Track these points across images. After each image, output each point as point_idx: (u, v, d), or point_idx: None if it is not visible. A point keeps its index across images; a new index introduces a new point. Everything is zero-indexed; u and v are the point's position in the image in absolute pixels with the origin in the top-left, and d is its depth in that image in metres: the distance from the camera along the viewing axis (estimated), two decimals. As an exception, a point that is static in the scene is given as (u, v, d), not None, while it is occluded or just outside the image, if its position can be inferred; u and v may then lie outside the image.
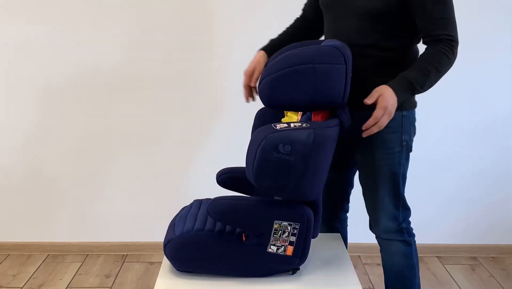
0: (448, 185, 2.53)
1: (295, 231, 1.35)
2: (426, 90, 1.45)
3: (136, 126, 2.45)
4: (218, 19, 2.33)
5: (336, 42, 1.34)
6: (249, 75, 1.62)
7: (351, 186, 1.80)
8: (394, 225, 1.62)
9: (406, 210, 1.64)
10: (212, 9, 2.32)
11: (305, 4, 1.75)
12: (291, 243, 1.37)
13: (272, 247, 1.37)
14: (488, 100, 2.42)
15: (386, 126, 1.44)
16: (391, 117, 1.38)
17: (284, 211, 1.35)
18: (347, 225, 1.90)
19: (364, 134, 1.38)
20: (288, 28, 1.72)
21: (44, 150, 2.48)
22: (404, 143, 1.56)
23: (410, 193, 2.49)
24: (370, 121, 1.36)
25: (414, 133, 1.63)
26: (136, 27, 2.34)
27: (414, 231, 2.56)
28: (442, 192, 2.54)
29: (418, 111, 2.42)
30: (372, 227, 1.67)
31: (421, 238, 2.56)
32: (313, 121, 1.34)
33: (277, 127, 1.25)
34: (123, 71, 2.38)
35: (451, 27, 1.43)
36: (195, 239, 1.42)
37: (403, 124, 1.56)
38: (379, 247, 2.58)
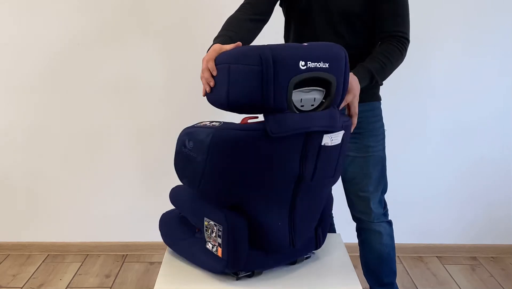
0: (448, 185, 2.53)
1: (220, 233, 1.30)
2: (380, 82, 1.58)
3: (136, 126, 2.46)
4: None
5: (275, 45, 1.26)
6: None
7: None
8: (381, 209, 1.76)
9: (385, 193, 1.79)
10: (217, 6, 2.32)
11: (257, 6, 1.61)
12: (219, 244, 1.32)
13: (208, 244, 1.35)
14: (488, 99, 2.42)
15: (373, 116, 1.69)
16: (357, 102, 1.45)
17: (209, 209, 1.32)
18: (333, 216, 2.00)
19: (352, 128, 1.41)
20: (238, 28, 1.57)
21: (44, 150, 2.48)
22: (385, 130, 1.74)
23: (411, 193, 2.52)
24: (350, 109, 1.41)
25: None
26: (136, 27, 2.34)
27: (414, 231, 2.58)
28: (442, 192, 2.54)
29: (418, 110, 2.44)
30: (363, 213, 1.75)
31: (421, 238, 2.59)
32: (230, 122, 1.27)
33: (197, 124, 1.27)
34: (125, 71, 2.38)
35: (405, 26, 1.58)
36: (167, 218, 1.53)
37: (381, 114, 1.73)
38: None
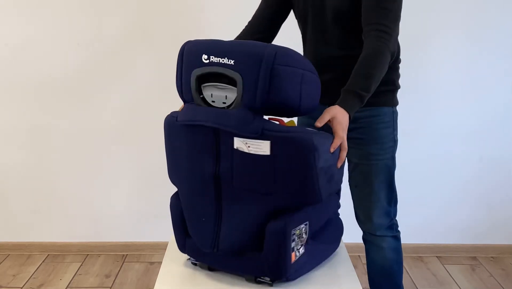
0: (448, 185, 2.53)
1: None
2: (372, 91, 1.41)
3: (136, 126, 2.45)
4: (218, 19, 2.33)
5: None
6: None
7: None
8: (386, 221, 1.67)
9: (396, 205, 1.69)
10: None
11: (254, 18, 1.69)
12: None
13: None
14: (488, 100, 2.42)
15: (380, 122, 1.57)
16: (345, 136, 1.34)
17: None
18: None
19: (338, 164, 1.30)
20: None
21: (44, 149, 2.48)
22: (396, 138, 1.63)
23: (411, 193, 2.51)
24: (335, 145, 1.29)
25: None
26: (135, 27, 2.34)
27: (414, 231, 2.55)
28: (442, 192, 2.54)
29: (418, 111, 2.43)
30: (364, 224, 1.69)
31: (421, 238, 2.59)
32: None
33: None
34: (125, 71, 2.38)
35: (390, 19, 1.42)
36: None
37: (394, 120, 1.61)
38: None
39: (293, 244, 1.29)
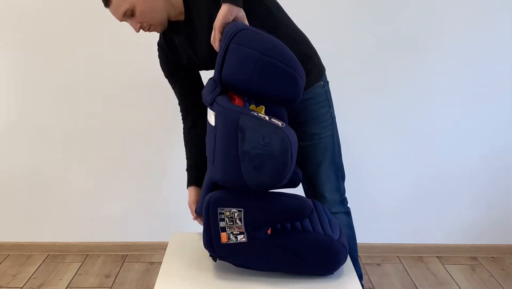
0: (448, 185, 2.52)
1: None
2: None
3: (136, 127, 2.45)
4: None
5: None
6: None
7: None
8: (338, 197, 1.70)
9: (344, 181, 1.72)
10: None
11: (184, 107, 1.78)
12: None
13: None
14: (487, 99, 2.42)
15: (316, 103, 1.60)
16: (224, 21, 1.33)
17: None
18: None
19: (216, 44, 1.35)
20: (191, 148, 1.72)
21: (44, 149, 2.48)
22: (333, 116, 1.66)
23: (411, 193, 2.52)
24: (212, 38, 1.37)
25: None
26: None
27: (414, 231, 2.53)
28: (442, 192, 2.53)
29: (417, 110, 2.43)
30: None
31: (421, 238, 2.59)
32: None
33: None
34: (125, 71, 2.38)
35: None
36: None
37: (328, 98, 1.64)
38: (379, 248, 2.57)
39: (222, 224, 1.33)
